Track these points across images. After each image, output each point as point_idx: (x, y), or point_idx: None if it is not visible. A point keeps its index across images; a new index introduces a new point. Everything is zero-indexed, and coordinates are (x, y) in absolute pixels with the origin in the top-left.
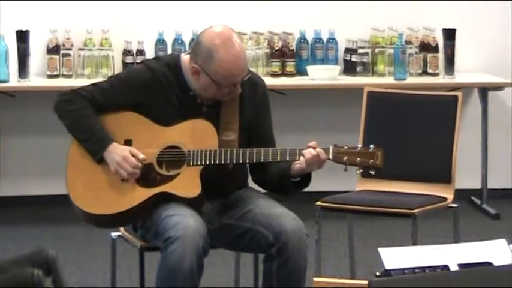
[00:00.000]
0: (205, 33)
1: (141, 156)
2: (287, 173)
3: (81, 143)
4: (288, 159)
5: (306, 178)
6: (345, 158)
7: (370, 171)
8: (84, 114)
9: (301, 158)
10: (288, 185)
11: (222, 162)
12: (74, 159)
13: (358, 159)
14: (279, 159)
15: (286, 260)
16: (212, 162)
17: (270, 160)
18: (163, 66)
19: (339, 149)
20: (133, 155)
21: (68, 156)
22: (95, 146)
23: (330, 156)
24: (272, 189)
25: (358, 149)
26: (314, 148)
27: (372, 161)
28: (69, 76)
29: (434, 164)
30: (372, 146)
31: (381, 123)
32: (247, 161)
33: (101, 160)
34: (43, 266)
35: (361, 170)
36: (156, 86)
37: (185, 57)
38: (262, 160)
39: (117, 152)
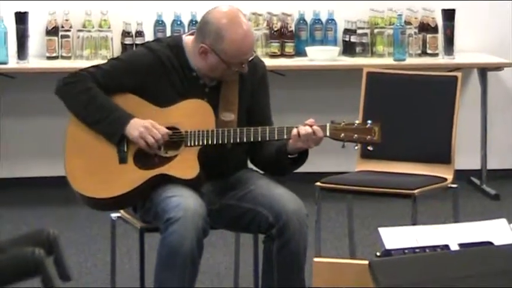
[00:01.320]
0: (211, 13)
1: (164, 129)
2: (283, 149)
3: (94, 126)
4: (285, 137)
5: (303, 154)
6: (342, 134)
7: (369, 147)
8: (94, 95)
9: (295, 130)
10: (285, 161)
11: (220, 142)
12: (71, 144)
13: (356, 135)
14: (276, 138)
15: (287, 240)
16: (210, 142)
17: (268, 139)
18: (165, 47)
19: (336, 126)
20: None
21: (66, 140)
22: (113, 125)
23: (327, 133)
24: (270, 168)
25: (356, 125)
26: (311, 126)
27: (369, 136)
28: (68, 58)
29: (434, 145)
30: (369, 121)
31: (380, 104)
32: (245, 140)
33: (120, 139)
34: (44, 245)
35: (359, 146)
36: (158, 68)
37: (187, 38)
38: (259, 139)
39: (141, 122)
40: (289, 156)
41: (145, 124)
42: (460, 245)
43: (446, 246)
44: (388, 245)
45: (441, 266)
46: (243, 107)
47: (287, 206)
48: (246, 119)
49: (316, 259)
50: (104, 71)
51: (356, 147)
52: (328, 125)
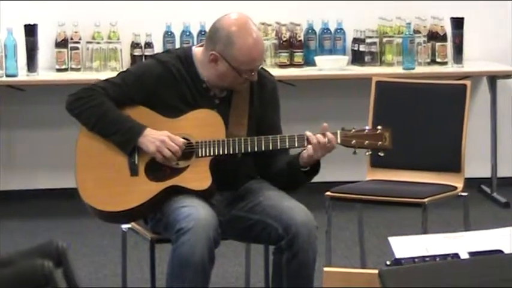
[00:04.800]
0: (221, 20)
1: (181, 139)
2: (295, 162)
3: (108, 137)
4: (296, 145)
5: (315, 166)
6: (354, 141)
7: (380, 153)
8: (107, 108)
9: (309, 147)
10: (297, 174)
11: (231, 151)
12: (82, 156)
13: (367, 141)
14: (287, 146)
15: (296, 252)
16: (221, 152)
17: (279, 147)
18: (174, 58)
19: (347, 133)
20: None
21: (76, 153)
22: (126, 135)
23: (338, 140)
24: (281, 183)
25: (366, 131)
26: (324, 134)
27: (380, 142)
28: (78, 69)
29: (444, 153)
30: (379, 127)
31: (389, 113)
32: (256, 149)
33: (132, 150)
34: (53, 258)
35: (370, 152)
36: (168, 79)
37: (196, 50)
38: (270, 147)
39: (157, 133)
40: (302, 169)
41: (161, 138)
42: (470, 253)
43: (456, 255)
44: (398, 254)
45: (451, 274)
46: (253, 120)
47: (296, 218)
48: (255, 132)
49: (326, 269)
50: (114, 84)
51: (367, 154)
52: (338, 132)
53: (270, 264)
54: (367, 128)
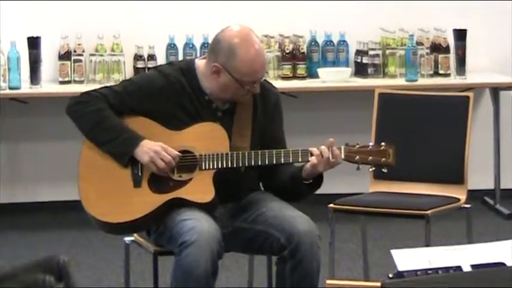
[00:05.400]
0: (223, 32)
1: (174, 152)
2: (299, 175)
3: (103, 146)
4: (300, 160)
5: (318, 179)
6: (357, 157)
7: (383, 170)
8: (105, 115)
9: (313, 158)
10: (300, 187)
11: (234, 165)
12: (85, 167)
13: (371, 157)
14: (291, 160)
15: (299, 261)
16: (224, 166)
17: (283, 162)
18: (177, 71)
19: (351, 148)
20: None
21: (79, 164)
22: (123, 145)
23: (342, 156)
24: (285, 195)
25: (370, 147)
26: (329, 147)
27: (384, 159)
28: (81, 82)
29: (447, 165)
30: (383, 143)
31: (392, 125)
32: (260, 163)
33: (133, 161)
34: (54, 272)
35: (374, 169)
36: (170, 92)
37: (199, 62)
38: (274, 162)
39: (152, 144)
40: (304, 182)
41: (155, 148)
42: (473, 266)
43: (459, 268)
44: (401, 267)
45: (454, 287)
46: (256, 132)
47: (299, 228)
48: (258, 145)
49: (328, 281)
50: (116, 92)
51: (371, 170)
52: (342, 147)
53: (273, 275)
54: (370, 144)
